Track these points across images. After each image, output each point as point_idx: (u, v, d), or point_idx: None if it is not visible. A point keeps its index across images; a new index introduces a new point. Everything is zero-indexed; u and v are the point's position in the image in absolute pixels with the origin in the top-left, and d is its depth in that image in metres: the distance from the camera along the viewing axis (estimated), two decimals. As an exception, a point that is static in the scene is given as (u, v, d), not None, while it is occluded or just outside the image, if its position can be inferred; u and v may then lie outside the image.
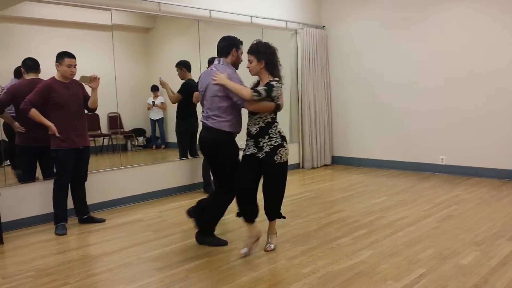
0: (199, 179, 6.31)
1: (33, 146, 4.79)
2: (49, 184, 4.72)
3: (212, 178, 6.24)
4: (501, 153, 6.43)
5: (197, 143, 6.32)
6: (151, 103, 7.07)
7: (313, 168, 7.96)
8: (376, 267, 3.39)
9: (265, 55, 3.64)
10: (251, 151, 3.70)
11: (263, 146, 3.65)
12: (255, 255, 3.72)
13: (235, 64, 3.87)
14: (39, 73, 4.90)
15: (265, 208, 3.79)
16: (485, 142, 6.56)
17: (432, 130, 7.06)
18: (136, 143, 7.20)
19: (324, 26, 8.21)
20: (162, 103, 7.07)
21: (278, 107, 3.66)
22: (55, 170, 4.66)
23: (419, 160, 7.27)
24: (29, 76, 4.83)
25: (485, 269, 3.29)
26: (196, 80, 6.10)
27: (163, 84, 6.31)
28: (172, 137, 6.83)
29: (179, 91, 6.21)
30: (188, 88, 6.15)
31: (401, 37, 7.29)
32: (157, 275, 3.37)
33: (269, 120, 3.67)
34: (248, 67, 3.70)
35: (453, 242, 3.90)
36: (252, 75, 3.74)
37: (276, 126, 3.70)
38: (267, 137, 3.65)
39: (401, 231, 4.25)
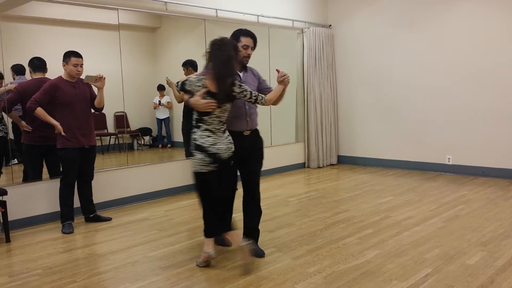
0: (205, 178, 6.31)
1: (39, 145, 4.82)
2: (56, 183, 4.75)
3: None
4: (508, 152, 6.39)
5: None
6: (157, 103, 7.08)
7: (319, 167, 7.95)
8: (382, 267, 3.39)
9: (209, 52, 3.35)
10: None
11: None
12: (260, 254, 3.72)
13: (241, 62, 3.54)
14: (46, 72, 4.93)
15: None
16: (492, 142, 6.52)
17: (439, 129, 7.04)
18: (143, 142, 7.22)
19: (330, 25, 8.20)
20: (168, 102, 7.09)
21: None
22: (61, 169, 4.69)
23: (426, 160, 7.24)
24: (37, 76, 4.87)
25: (491, 269, 3.28)
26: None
27: (169, 83, 6.33)
28: (178, 136, 6.85)
29: None
30: None
31: (408, 36, 7.26)
32: (162, 274, 3.38)
33: (193, 123, 3.41)
34: None
35: (460, 242, 3.88)
36: None
37: (195, 131, 3.37)
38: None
39: (407, 231, 4.24)
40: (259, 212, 3.71)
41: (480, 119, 6.61)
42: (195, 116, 3.38)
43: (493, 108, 6.47)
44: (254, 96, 3.39)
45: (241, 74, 3.57)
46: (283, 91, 3.55)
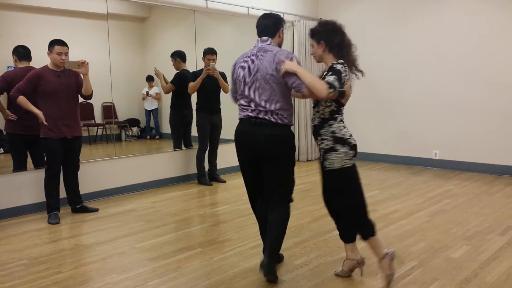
0: (193, 170, 6.31)
1: (24, 134, 4.77)
2: (41, 173, 4.70)
3: (207, 170, 6.25)
4: (494, 148, 6.47)
5: (192, 133, 6.37)
6: (146, 93, 7.04)
7: (308, 160, 7.97)
8: (368, 259, 3.41)
9: (324, 34, 2.95)
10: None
11: (319, 149, 3.04)
12: (247, 247, 3.73)
13: (280, 46, 3.18)
14: (31, 60, 4.87)
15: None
16: (478, 137, 6.59)
17: (426, 124, 7.09)
18: (130, 133, 7.18)
19: (321, 19, 8.18)
20: (156, 93, 7.05)
21: (341, 94, 2.83)
22: (45, 159, 4.64)
23: (412, 154, 7.30)
24: (22, 64, 4.80)
25: (475, 263, 3.32)
26: (191, 70, 6.11)
27: (157, 74, 6.29)
28: (166, 128, 6.82)
29: (171, 81, 6.21)
30: (181, 78, 6.13)
31: (398, 31, 7.28)
32: (149, 265, 3.38)
33: (326, 115, 2.95)
34: (312, 54, 3.11)
35: (445, 236, 3.93)
36: (317, 62, 3.10)
37: (331, 124, 2.94)
38: (319, 138, 2.98)
39: (393, 224, 4.28)
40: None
41: (467, 115, 6.67)
42: (332, 108, 2.94)
43: (480, 105, 6.53)
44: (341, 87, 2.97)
45: None
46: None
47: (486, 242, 3.75)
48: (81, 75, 4.59)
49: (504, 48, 6.27)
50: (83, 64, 4.49)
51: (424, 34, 6.99)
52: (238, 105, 3.15)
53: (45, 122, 4.44)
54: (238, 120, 3.12)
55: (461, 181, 6.13)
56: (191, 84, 5.79)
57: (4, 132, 4.89)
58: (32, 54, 4.88)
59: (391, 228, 4.15)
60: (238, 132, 3.11)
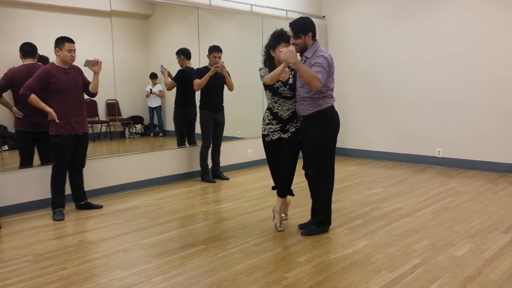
0: (197, 167, 6.32)
1: (31, 131, 4.79)
2: (47, 170, 4.73)
3: (210, 167, 6.27)
4: (498, 146, 6.46)
5: (195, 130, 6.39)
6: (149, 91, 7.05)
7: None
8: (371, 257, 3.42)
9: None
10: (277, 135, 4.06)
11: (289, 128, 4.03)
12: (251, 243, 3.75)
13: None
14: (37, 58, 4.88)
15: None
16: (482, 135, 6.58)
17: (430, 122, 7.08)
18: (134, 131, 7.19)
19: (324, 16, 8.18)
20: (160, 91, 7.06)
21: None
22: (53, 155, 4.66)
23: (416, 152, 7.29)
24: (27, 61, 4.81)
25: (479, 261, 3.32)
26: (195, 68, 6.11)
27: (162, 72, 6.31)
28: (170, 125, 6.84)
29: (173, 78, 6.22)
30: (184, 75, 6.13)
31: (402, 29, 7.27)
32: (153, 262, 3.39)
33: None
34: None
35: (448, 233, 3.93)
36: None
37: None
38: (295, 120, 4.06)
39: (397, 222, 4.28)
40: (315, 193, 4.06)
41: (471, 113, 6.65)
42: None
43: (483, 102, 6.52)
44: (262, 79, 3.90)
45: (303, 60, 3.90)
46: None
47: (490, 240, 3.75)
48: (88, 73, 4.63)
49: (508, 45, 6.25)
50: (97, 63, 4.59)
51: (427, 32, 6.98)
52: (328, 91, 3.97)
53: (57, 120, 4.45)
54: (331, 105, 4.07)
55: (465, 179, 6.13)
56: (197, 81, 5.79)
57: (13, 130, 4.90)
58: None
59: (394, 226, 4.15)
60: (336, 114, 4.11)
